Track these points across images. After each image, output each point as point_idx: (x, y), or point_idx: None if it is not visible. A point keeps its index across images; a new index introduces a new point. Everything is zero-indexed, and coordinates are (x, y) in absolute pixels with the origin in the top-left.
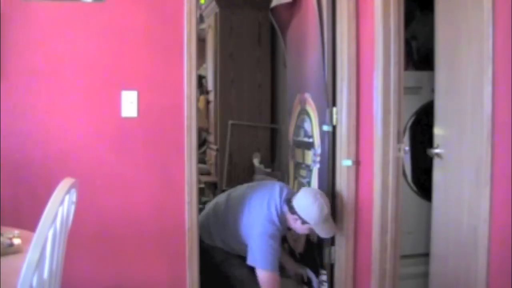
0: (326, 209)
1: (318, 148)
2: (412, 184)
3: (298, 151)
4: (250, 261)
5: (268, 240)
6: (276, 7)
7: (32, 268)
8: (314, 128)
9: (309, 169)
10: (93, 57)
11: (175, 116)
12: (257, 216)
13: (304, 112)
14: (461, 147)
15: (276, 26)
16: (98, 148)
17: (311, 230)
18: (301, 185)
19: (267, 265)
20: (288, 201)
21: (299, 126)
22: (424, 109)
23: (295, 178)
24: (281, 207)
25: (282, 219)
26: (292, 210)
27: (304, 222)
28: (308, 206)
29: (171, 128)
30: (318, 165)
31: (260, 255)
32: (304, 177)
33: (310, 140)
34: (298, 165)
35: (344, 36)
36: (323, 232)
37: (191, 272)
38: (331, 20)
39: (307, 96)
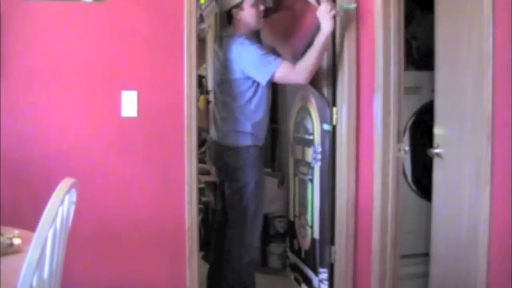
0: None
1: (318, 146)
2: (412, 184)
3: (298, 148)
4: (263, 78)
5: (252, 50)
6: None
7: (32, 268)
8: (315, 125)
9: (309, 166)
10: (93, 57)
11: (175, 116)
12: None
13: (304, 109)
14: (461, 147)
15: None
16: (98, 148)
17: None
18: (302, 182)
19: (277, 64)
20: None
21: (299, 123)
22: (424, 109)
23: (295, 174)
24: (230, 32)
25: (238, 32)
26: (229, 17)
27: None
28: None
29: (171, 128)
30: (319, 163)
31: (263, 66)
32: (305, 174)
33: (311, 137)
34: (298, 162)
35: (344, 36)
36: None
37: (191, 272)
38: None
39: (309, 93)
